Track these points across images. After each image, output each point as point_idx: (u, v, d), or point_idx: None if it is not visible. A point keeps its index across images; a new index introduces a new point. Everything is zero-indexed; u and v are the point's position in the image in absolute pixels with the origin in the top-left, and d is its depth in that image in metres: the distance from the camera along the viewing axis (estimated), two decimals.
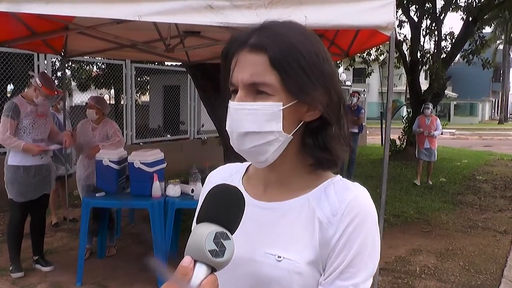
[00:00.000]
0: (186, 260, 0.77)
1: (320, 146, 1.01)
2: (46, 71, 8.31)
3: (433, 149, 10.26)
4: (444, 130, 25.36)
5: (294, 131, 1.00)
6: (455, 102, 45.87)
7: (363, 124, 12.07)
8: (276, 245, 1.00)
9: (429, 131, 10.16)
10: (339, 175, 1.08)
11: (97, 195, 4.78)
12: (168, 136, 12.43)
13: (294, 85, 0.95)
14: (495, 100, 57.12)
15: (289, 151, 1.02)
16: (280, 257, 0.98)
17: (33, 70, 8.08)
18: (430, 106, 10.49)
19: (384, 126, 13.22)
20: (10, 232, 4.90)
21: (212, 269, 0.79)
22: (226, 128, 1.01)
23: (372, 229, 0.98)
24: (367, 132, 19.50)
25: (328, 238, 0.97)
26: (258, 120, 0.96)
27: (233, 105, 0.98)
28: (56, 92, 5.06)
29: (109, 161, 4.87)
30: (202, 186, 1.27)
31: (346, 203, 0.98)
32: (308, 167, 1.05)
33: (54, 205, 6.73)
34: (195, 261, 0.78)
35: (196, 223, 0.83)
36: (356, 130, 10.47)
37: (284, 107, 0.96)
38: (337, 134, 1.02)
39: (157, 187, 4.67)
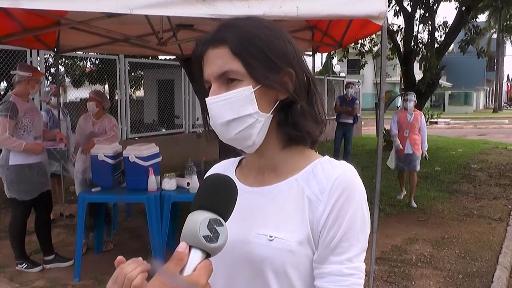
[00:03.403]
0: (182, 246, 0.81)
1: (291, 122, 1.05)
2: (39, 68, 8.30)
3: (417, 156, 7.62)
4: (439, 120, 25.45)
5: (273, 109, 1.04)
6: (449, 92, 45.97)
7: (358, 115, 12.07)
8: (268, 225, 1.03)
9: (412, 130, 7.60)
10: (326, 156, 1.11)
11: (93, 190, 4.78)
12: (163, 130, 12.43)
13: (256, 72, 1.00)
14: (490, 89, 57.24)
15: (270, 131, 1.07)
16: (272, 236, 1.01)
17: None
18: (413, 97, 7.73)
19: (378, 116, 13.24)
20: (15, 231, 4.85)
21: (207, 255, 0.82)
22: (211, 124, 1.06)
23: (360, 203, 1.01)
24: (362, 123, 19.53)
25: (318, 216, 1.00)
26: (234, 107, 1.01)
27: (209, 100, 1.03)
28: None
29: (104, 156, 4.88)
30: (198, 179, 1.30)
31: (333, 179, 1.01)
32: (284, 145, 1.09)
33: None
34: (190, 247, 0.81)
35: (191, 211, 0.85)
36: (351, 121, 10.49)
37: (254, 89, 1.01)
38: (307, 110, 1.06)
39: (153, 181, 4.67)
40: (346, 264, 0.98)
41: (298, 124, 1.05)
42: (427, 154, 7.80)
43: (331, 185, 1.01)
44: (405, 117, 7.69)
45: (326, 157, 1.10)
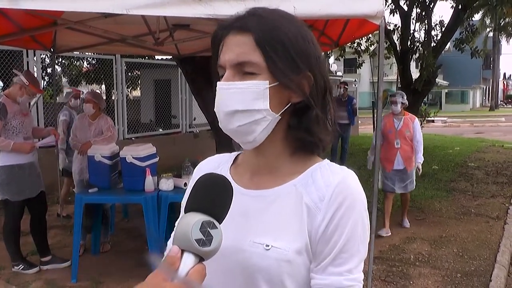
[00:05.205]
0: (174, 250, 0.78)
1: (304, 128, 1.01)
2: (35, 68, 8.28)
3: (410, 172, 6.11)
4: (435, 118, 25.44)
5: (282, 111, 1.00)
6: (446, 90, 46.04)
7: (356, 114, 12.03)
8: (264, 233, 0.99)
9: (401, 139, 5.99)
10: (326, 159, 1.07)
11: (90, 191, 4.77)
12: (160, 130, 12.40)
13: (276, 67, 0.96)
14: (486, 87, 57.41)
15: (277, 133, 1.02)
16: (268, 245, 0.97)
17: (23, 67, 8.02)
18: (401, 99, 6.04)
19: (375, 115, 13.21)
20: (10, 233, 4.82)
21: (200, 259, 0.79)
22: (214, 109, 1.00)
23: (361, 212, 0.98)
24: (359, 122, 19.52)
25: (316, 224, 0.96)
26: (245, 99, 0.96)
27: (220, 84, 0.98)
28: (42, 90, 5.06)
29: (101, 156, 4.86)
30: None
31: (333, 187, 0.97)
32: (294, 150, 1.05)
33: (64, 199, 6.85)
34: (182, 251, 0.78)
35: (184, 213, 0.83)
36: (347, 121, 10.47)
37: (270, 86, 0.96)
38: (321, 117, 1.01)
39: (150, 181, 4.66)
40: (346, 276, 0.94)
41: (311, 130, 1.00)
42: (420, 168, 6.11)
43: (330, 193, 0.97)
44: (391, 123, 6.08)
45: (326, 161, 1.06)
